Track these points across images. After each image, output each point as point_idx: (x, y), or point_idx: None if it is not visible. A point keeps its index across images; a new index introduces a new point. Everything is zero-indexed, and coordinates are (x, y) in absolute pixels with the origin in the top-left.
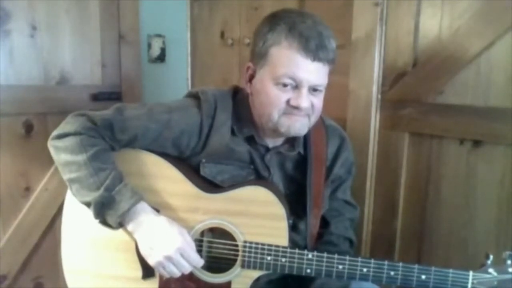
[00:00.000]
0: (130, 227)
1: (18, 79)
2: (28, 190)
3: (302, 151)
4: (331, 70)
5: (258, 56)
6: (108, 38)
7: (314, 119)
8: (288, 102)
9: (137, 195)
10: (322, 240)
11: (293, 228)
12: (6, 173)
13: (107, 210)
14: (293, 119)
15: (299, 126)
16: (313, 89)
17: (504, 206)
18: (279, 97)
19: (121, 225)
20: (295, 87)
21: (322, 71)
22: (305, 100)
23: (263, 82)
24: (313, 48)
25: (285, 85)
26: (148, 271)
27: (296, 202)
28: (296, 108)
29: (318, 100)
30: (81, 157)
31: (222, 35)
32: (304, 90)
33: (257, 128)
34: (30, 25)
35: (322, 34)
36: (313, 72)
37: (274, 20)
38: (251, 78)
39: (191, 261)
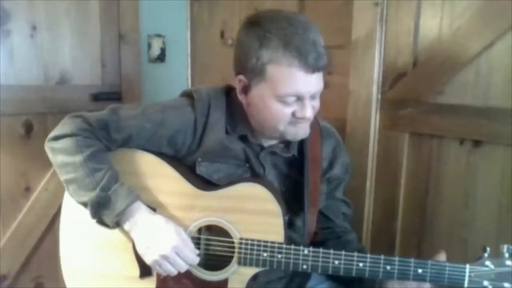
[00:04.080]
0: (126, 226)
1: (18, 79)
2: (28, 190)
3: (296, 153)
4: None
5: (252, 72)
6: (108, 38)
7: (313, 118)
8: (293, 114)
9: (133, 195)
10: (327, 235)
11: (290, 225)
12: (6, 173)
13: (103, 210)
14: (299, 127)
15: (304, 132)
16: (313, 96)
17: (504, 206)
18: (284, 112)
19: (117, 224)
20: (297, 99)
21: (320, 77)
22: (309, 110)
23: (264, 99)
24: (312, 62)
25: (289, 101)
26: (145, 270)
27: (291, 199)
28: (302, 118)
29: (317, 103)
30: (77, 158)
31: (222, 35)
32: (307, 101)
33: (251, 128)
34: (30, 25)
35: (315, 42)
36: (313, 83)
37: (261, 31)
38: (244, 90)
39: (187, 259)
